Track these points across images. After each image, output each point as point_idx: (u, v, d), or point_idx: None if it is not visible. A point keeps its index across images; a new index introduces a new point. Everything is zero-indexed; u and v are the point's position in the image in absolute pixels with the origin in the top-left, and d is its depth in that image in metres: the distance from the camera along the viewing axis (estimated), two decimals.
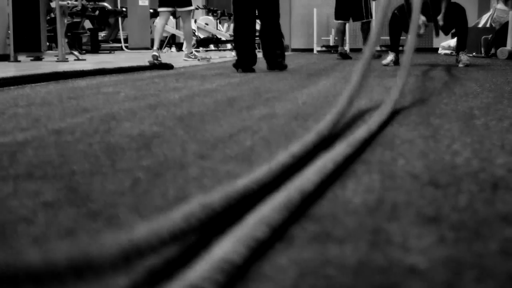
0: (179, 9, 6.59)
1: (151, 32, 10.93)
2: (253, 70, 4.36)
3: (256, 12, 4.41)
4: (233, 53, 8.38)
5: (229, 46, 11.28)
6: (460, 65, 4.78)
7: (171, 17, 7.22)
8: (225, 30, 11.92)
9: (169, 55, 8.79)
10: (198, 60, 6.70)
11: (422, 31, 4.45)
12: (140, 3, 11.15)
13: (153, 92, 2.78)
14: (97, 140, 1.46)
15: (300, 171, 0.93)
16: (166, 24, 7.49)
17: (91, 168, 1.14)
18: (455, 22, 4.78)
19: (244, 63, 4.35)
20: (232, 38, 11.78)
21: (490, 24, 7.57)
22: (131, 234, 0.48)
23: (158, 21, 6.76)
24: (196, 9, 10.51)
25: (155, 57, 5.83)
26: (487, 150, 1.25)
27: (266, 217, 0.65)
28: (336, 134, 1.43)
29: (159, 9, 6.65)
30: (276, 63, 4.49)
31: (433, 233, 0.73)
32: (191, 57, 6.77)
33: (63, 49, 6.12)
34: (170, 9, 6.58)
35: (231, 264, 0.52)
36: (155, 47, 6.32)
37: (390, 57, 5.06)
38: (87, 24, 10.20)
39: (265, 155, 1.25)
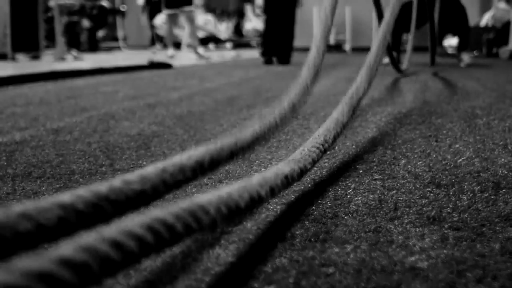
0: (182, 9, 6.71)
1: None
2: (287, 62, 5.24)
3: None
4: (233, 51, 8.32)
5: (228, 45, 11.26)
6: (462, 64, 4.77)
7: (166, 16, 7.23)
8: (224, 29, 11.89)
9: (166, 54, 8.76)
10: (199, 58, 6.70)
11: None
12: (139, 2, 11.12)
13: (152, 91, 2.77)
14: (96, 139, 1.45)
15: None
16: (164, 24, 7.65)
17: (90, 167, 1.14)
18: (454, 20, 4.76)
19: (270, 57, 5.31)
20: (230, 38, 11.76)
21: (492, 23, 7.56)
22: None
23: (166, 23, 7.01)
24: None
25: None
26: (490, 150, 1.24)
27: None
28: None
29: (165, 12, 6.81)
30: (285, 58, 5.22)
31: (435, 233, 0.72)
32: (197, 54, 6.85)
33: (61, 48, 6.10)
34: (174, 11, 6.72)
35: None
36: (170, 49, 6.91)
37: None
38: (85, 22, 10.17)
39: (265, 154, 1.24)
